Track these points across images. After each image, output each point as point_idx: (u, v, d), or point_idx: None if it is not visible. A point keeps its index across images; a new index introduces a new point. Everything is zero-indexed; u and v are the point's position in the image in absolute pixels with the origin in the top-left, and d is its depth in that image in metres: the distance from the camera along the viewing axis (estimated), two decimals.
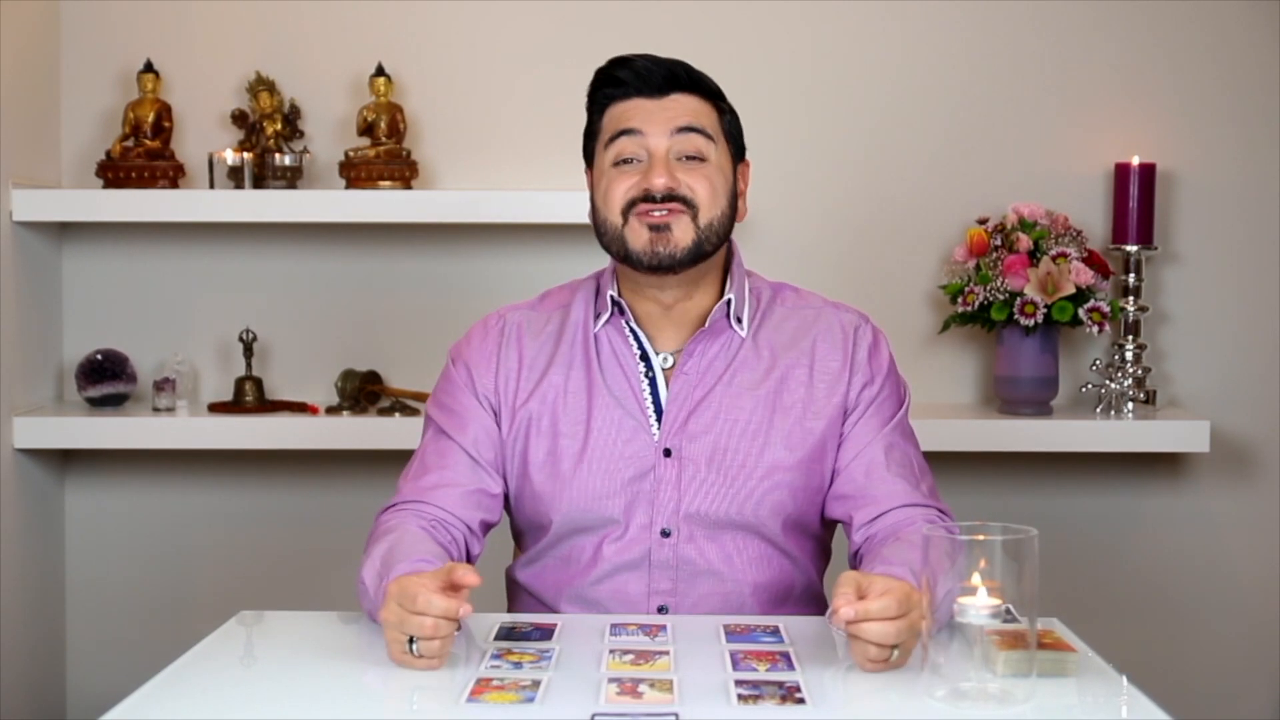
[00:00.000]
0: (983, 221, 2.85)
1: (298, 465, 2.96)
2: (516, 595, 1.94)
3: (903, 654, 1.50)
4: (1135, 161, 2.83)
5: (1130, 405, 2.82)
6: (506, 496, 1.88)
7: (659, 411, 1.83)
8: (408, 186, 2.83)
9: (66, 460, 2.96)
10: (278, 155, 2.83)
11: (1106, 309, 2.76)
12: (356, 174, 2.81)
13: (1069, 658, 1.52)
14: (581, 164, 1.91)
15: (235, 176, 2.81)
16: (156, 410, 2.82)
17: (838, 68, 2.93)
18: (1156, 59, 2.92)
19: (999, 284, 2.75)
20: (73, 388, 2.88)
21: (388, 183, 2.81)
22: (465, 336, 1.92)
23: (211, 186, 2.81)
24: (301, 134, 2.91)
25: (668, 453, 1.81)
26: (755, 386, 1.83)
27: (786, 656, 1.56)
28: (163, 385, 2.82)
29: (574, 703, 1.41)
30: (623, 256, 1.81)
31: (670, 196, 1.78)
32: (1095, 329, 2.76)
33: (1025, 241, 2.78)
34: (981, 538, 1.39)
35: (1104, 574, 2.96)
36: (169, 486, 2.97)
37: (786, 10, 2.92)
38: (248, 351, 2.87)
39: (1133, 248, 2.84)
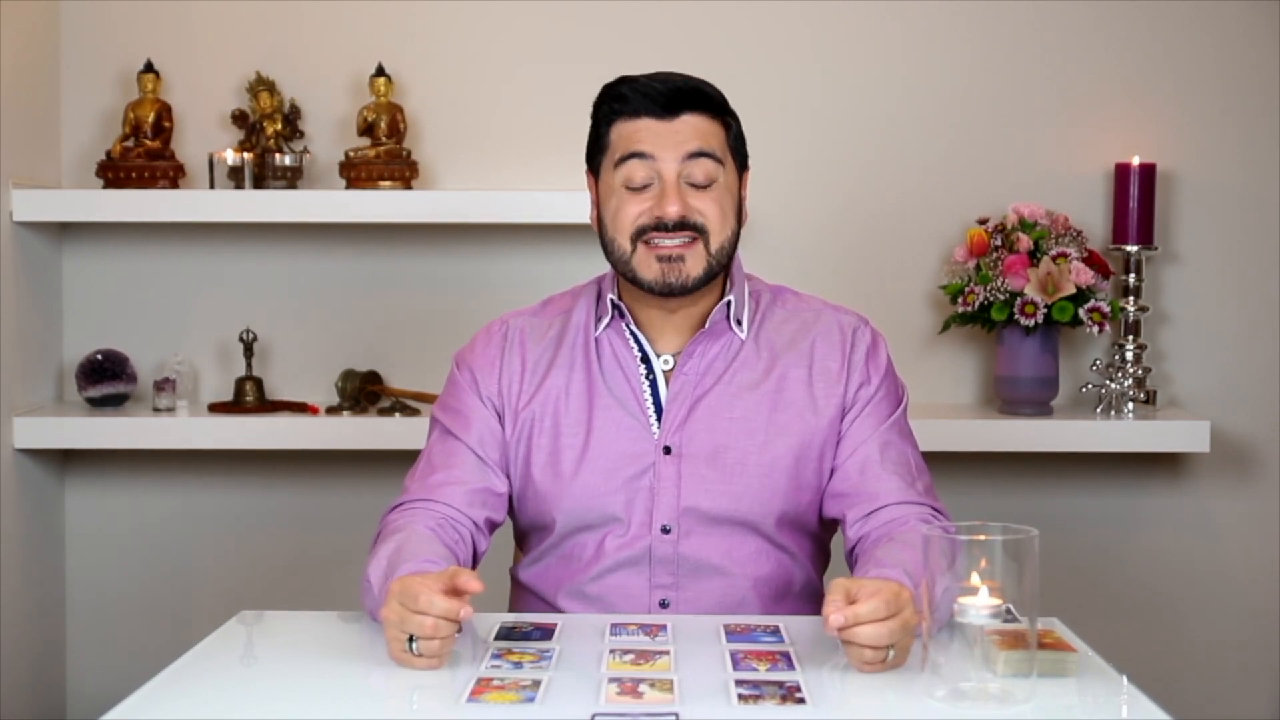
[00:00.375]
0: (983, 221, 2.85)
1: (298, 465, 2.96)
2: (518, 595, 1.95)
3: (900, 653, 1.50)
4: (1135, 161, 2.83)
5: (1130, 405, 2.82)
6: (510, 497, 1.89)
7: (659, 411, 1.84)
8: (408, 186, 2.83)
9: (66, 460, 2.96)
10: (278, 155, 2.83)
11: (1107, 309, 2.76)
12: (357, 174, 2.81)
13: (1069, 658, 1.52)
14: (581, 165, 1.92)
15: (235, 176, 2.81)
16: (156, 410, 2.82)
17: (838, 68, 2.93)
18: (1156, 59, 2.92)
19: (999, 284, 2.75)
20: (73, 388, 2.88)
21: (388, 183, 2.81)
22: (469, 343, 1.94)
23: (212, 186, 2.81)
24: (301, 134, 2.91)
25: (668, 450, 1.83)
26: (754, 385, 1.85)
27: (787, 656, 1.56)
28: (163, 385, 2.82)
29: (574, 703, 1.41)
30: (630, 280, 1.83)
31: (682, 225, 1.79)
32: (1095, 329, 2.76)
33: (1025, 241, 2.78)
34: (981, 538, 1.40)
35: (1104, 574, 2.96)
36: (169, 486, 2.97)
37: (786, 11, 2.92)
38: (248, 351, 2.87)
39: (1133, 248, 2.84)
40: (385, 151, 2.82)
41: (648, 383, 1.86)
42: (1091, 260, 2.79)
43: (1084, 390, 2.87)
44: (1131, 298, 2.86)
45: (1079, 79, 2.92)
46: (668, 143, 1.80)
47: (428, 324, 2.93)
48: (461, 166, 2.94)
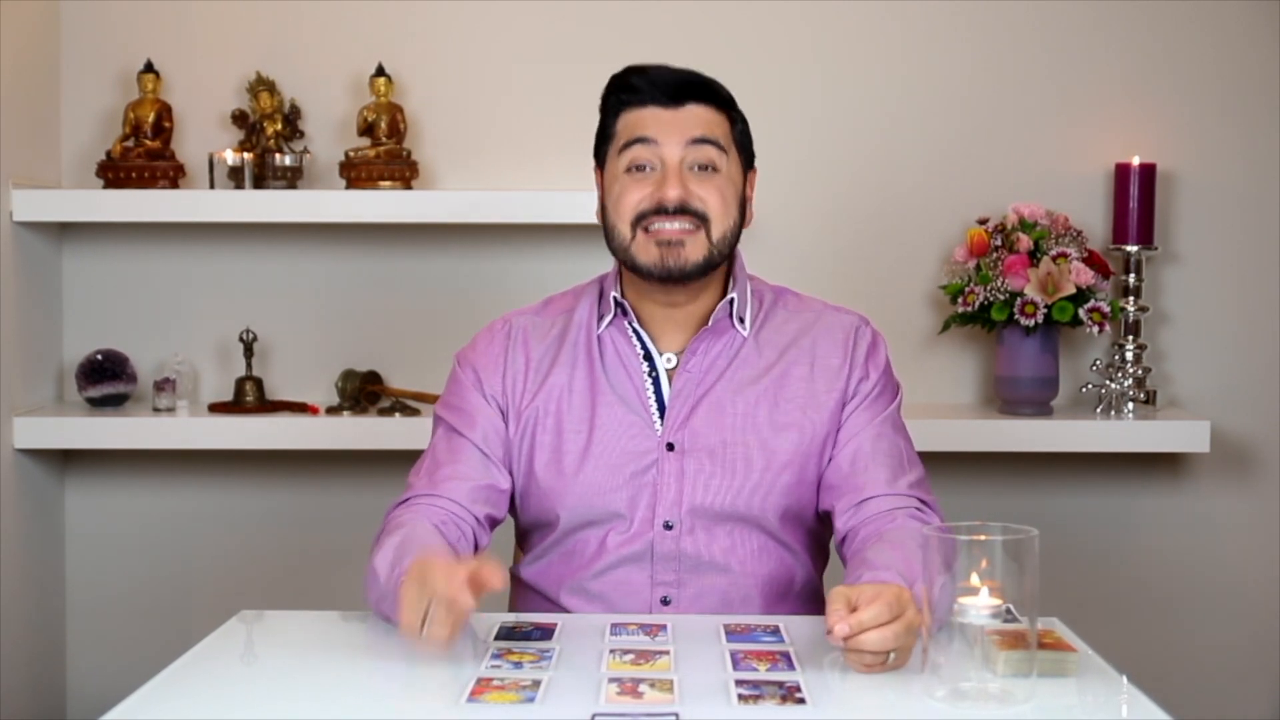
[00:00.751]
0: (983, 222, 2.85)
1: (298, 465, 2.96)
2: (519, 593, 1.95)
3: (902, 654, 1.50)
4: (1135, 161, 2.83)
5: (1130, 405, 2.82)
6: (512, 495, 1.89)
7: (662, 408, 1.85)
8: (408, 186, 2.83)
9: (66, 460, 2.96)
10: (278, 155, 2.83)
11: (1107, 309, 2.76)
12: (357, 174, 2.81)
13: (1069, 658, 1.52)
14: (585, 163, 1.93)
15: (235, 176, 2.81)
16: (157, 410, 2.82)
17: (838, 68, 2.93)
18: (1156, 59, 2.92)
19: (999, 284, 2.75)
20: (73, 388, 2.88)
21: (388, 183, 2.81)
22: (471, 342, 1.94)
23: (212, 186, 2.81)
24: (302, 134, 2.91)
25: (670, 447, 1.83)
26: (756, 382, 1.86)
27: (787, 656, 1.56)
28: (163, 385, 2.82)
29: (574, 703, 1.41)
30: (630, 266, 1.83)
31: (682, 209, 1.79)
32: (1095, 329, 2.76)
33: (1025, 242, 2.78)
34: (982, 538, 1.40)
35: (1104, 574, 2.96)
36: (169, 486, 2.97)
37: (786, 11, 2.92)
38: (248, 351, 2.87)
39: (1133, 248, 2.84)
40: (385, 151, 2.82)
41: (650, 380, 1.86)
42: (1091, 260, 2.79)
43: (1084, 390, 2.87)
44: (1131, 298, 2.86)
45: (1079, 79, 2.93)
46: (671, 129, 1.81)
47: (428, 324, 2.93)
48: (461, 166, 2.94)
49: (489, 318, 1.99)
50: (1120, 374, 2.82)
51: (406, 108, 2.87)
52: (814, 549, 1.92)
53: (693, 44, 2.89)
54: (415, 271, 2.95)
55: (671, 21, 2.91)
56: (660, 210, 1.79)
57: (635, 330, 1.88)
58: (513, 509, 1.92)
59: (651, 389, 1.86)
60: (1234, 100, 2.92)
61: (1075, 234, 2.81)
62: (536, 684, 1.46)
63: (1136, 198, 2.83)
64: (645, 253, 1.81)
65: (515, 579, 1.96)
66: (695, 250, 1.80)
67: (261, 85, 2.88)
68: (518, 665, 1.53)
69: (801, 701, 1.42)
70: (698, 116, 1.82)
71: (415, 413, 2.81)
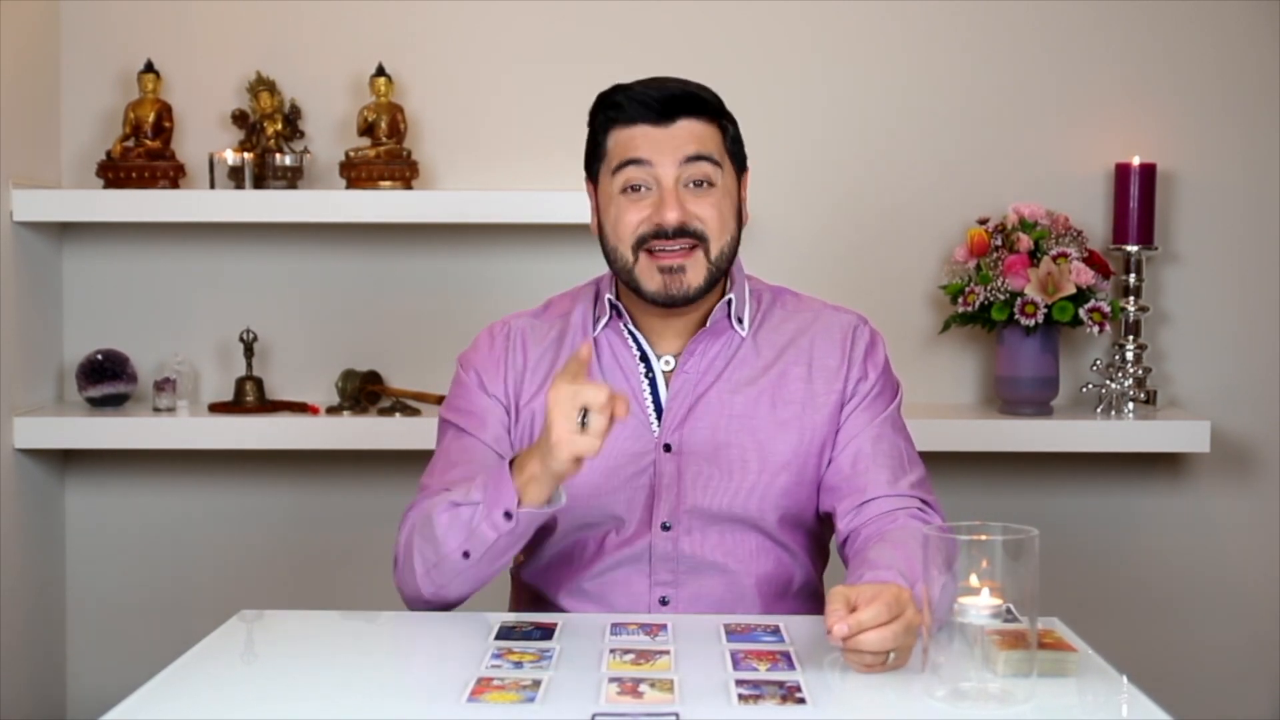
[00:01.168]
0: (983, 221, 2.85)
1: (298, 465, 2.96)
2: (519, 595, 1.96)
3: (901, 654, 1.50)
4: (1135, 161, 2.83)
5: (1130, 405, 2.82)
6: None
7: (659, 410, 1.85)
8: (408, 186, 2.83)
9: (66, 460, 2.96)
10: (278, 155, 2.83)
11: (1107, 309, 2.76)
12: (357, 174, 2.81)
13: (1069, 658, 1.52)
14: (582, 165, 1.91)
15: (235, 176, 2.81)
16: (157, 410, 2.82)
17: (838, 69, 2.93)
18: (1156, 59, 2.92)
19: (999, 284, 2.75)
20: (73, 388, 2.88)
21: (388, 183, 2.81)
22: (472, 345, 1.94)
23: (212, 186, 2.81)
24: (302, 134, 2.91)
25: (668, 448, 1.83)
26: (754, 382, 1.86)
27: (787, 656, 1.56)
28: (163, 385, 2.82)
29: (574, 702, 1.41)
30: (633, 289, 1.83)
31: (681, 231, 1.79)
32: (1096, 329, 2.76)
33: (1026, 241, 2.78)
34: (982, 538, 1.40)
35: (1104, 574, 2.96)
36: (169, 486, 2.97)
37: (786, 11, 2.92)
38: (248, 351, 2.87)
39: (1133, 248, 2.84)
40: (385, 151, 2.82)
41: (647, 381, 1.86)
42: (1092, 260, 2.79)
43: (1084, 390, 2.87)
44: (1132, 298, 2.86)
45: (1079, 79, 2.92)
46: (664, 148, 1.80)
47: (428, 324, 2.93)
48: (461, 166, 2.94)
49: (489, 318, 1.99)
50: (1120, 374, 2.82)
51: (406, 108, 2.87)
52: (813, 549, 1.92)
53: (693, 44, 2.89)
54: (415, 271, 2.94)
55: (671, 21, 2.91)
56: (659, 234, 1.79)
57: (631, 332, 1.88)
58: None
59: (648, 390, 1.85)
60: (1234, 100, 2.92)
61: (1075, 234, 2.81)
62: (537, 684, 1.46)
63: (1137, 198, 2.83)
64: (650, 279, 1.81)
65: (515, 581, 1.97)
66: (696, 274, 1.80)
67: (261, 85, 2.87)
68: (518, 665, 1.53)
69: (802, 701, 1.42)
70: (689, 132, 1.81)
71: (415, 413, 2.81)
